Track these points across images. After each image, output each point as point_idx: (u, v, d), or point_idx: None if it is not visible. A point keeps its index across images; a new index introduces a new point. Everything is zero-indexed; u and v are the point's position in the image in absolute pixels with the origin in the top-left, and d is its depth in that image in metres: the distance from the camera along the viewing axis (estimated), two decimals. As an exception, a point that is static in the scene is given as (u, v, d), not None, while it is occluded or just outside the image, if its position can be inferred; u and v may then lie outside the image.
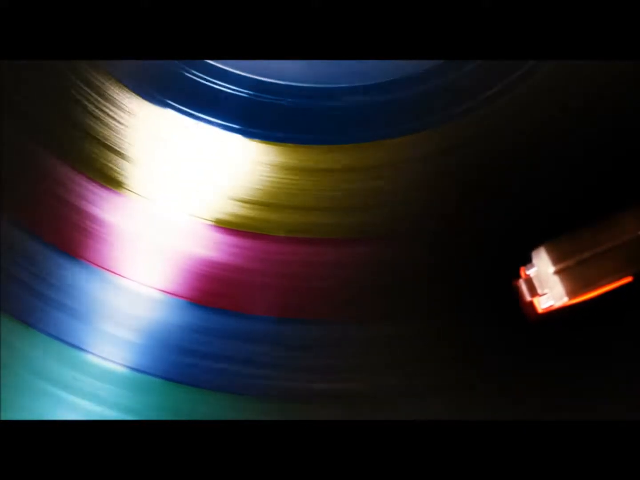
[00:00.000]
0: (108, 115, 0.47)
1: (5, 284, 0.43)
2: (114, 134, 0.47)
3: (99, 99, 0.47)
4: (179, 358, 0.43)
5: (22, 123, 0.47)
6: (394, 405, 0.42)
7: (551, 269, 0.41)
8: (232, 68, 0.48)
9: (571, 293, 0.41)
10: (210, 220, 0.45)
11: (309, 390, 0.42)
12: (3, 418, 0.41)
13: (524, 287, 0.42)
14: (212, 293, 0.44)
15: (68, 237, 0.45)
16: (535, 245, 0.42)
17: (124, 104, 0.47)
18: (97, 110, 0.47)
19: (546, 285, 0.41)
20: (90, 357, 0.43)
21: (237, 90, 0.48)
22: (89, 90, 0.47)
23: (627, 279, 0.41)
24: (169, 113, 0.47)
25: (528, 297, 0.42)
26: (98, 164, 0.46)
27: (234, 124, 0.47)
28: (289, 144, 0.47)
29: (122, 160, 0.46)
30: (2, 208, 0.45)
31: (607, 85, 0.46)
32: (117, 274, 0.44)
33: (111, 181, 0.46)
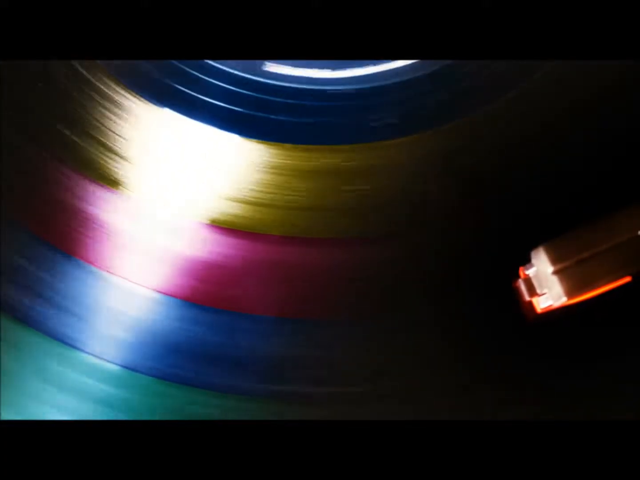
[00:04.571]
0: (106, 114, 0.47)
1: (10, 287, 0.44)
2: (112, 133, 0.47)
3: (97, 98, 0.47)
4: (175, 357, 0.43)
5: (21, 123, 0.47)
6: (394, 405, 0.42)
7: (550, 269, 0.41)
8: (231, 69, 0.49)
9: (570, 293, 0.41)
10: (207, 220, 0.45)
11: (307, 390, 0.42)
12: (3, 418, 0.41)
13: (523, 287, 0.42)
14: (208, 292, 0.44)
15: (65, 236, 0.45)
16: (534, 245, 0.42)
17: (122, 104, 0.47)
18: (95, 110, 0.47)
19: (545, 285, 0.41)
20: (85, 356, 0.43)
21: (235, 92, 0.48)
22: (87, 90, 0.47)
23: (626, 279, 0.41)
24: (166, 112, 0.47)
25: (527, 297, 0.42)
26: (95, 163, 0.46)
27: (231, 126, 0.47)
28: (287, 144, 0.47)
29: (119, 160, 0.46)
30: (6, 211, 0.45)
31: (607, 85, 0.46)
32: (113, 274, 0.44)
33: (108, 180, 0.46)
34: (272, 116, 0.47)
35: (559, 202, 0.44)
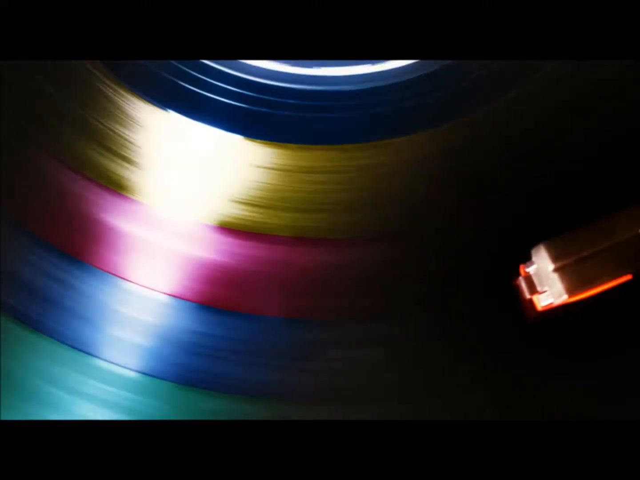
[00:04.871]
0: (107, 114, 0.47)
1: (10, 287, 0.43)
2: (113, 133, 0.47)
3: (98, 98, 0.47)
4: (187, 360, 0.43)
5: (21, 123, 0.47)
6: (394, 405, 0.42)
7: (551, 266, 0.41)
8: (231, 70, 0.49)
9: (570, 291, 0.41)
10: (215, 223, 0.45)
11: (307, 390, 0.42)
12: (3, 418, 0.41)
13: (523, 285, 0.42)
14: (217, 295, 0.44)
15: (73, 241, 0.45)
16: (534, 243, 0.42)
17: (123, 105, 0.47)
18: (95, 110, 0.47)
19: (546, 283, 0.41)
20: (98, 362, 0.43)
21: (238, 93, 0.48)
22: (87, 90, 0.47)
23: (626, 277, 0.41)
24: (171, 115, 0.47)
25: (528, 295, 0.42)
26: (102, 166, 0.46)
27: (235, 127, 0.47)
28: (289, 144, 0.47)
29: (127, 164, 0.46)
30: (6, 211, 0.45)
31: (607, 85, 0.46)
32: (124, 278, 0.44)
33: (116, 184, 0.46)
34: (277, 112, 0.47)
35: (559, 202, 0.44)
